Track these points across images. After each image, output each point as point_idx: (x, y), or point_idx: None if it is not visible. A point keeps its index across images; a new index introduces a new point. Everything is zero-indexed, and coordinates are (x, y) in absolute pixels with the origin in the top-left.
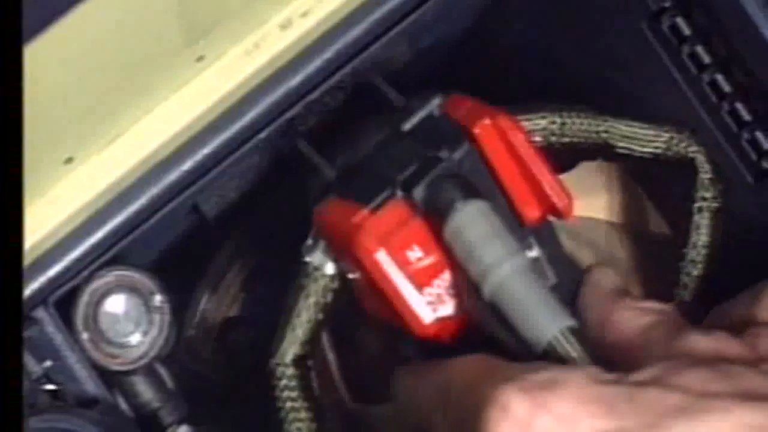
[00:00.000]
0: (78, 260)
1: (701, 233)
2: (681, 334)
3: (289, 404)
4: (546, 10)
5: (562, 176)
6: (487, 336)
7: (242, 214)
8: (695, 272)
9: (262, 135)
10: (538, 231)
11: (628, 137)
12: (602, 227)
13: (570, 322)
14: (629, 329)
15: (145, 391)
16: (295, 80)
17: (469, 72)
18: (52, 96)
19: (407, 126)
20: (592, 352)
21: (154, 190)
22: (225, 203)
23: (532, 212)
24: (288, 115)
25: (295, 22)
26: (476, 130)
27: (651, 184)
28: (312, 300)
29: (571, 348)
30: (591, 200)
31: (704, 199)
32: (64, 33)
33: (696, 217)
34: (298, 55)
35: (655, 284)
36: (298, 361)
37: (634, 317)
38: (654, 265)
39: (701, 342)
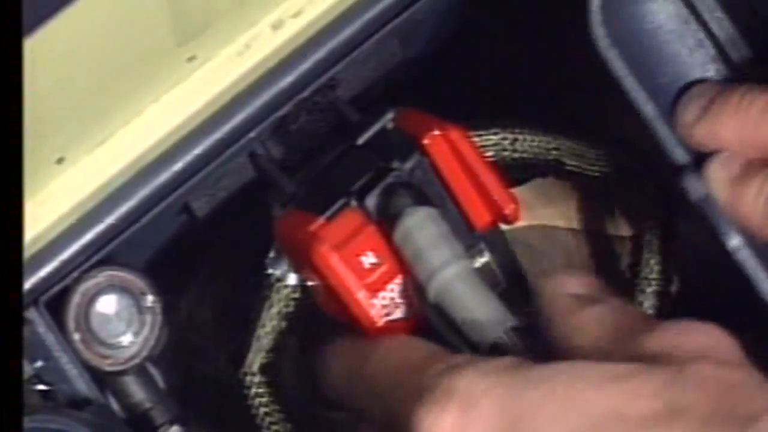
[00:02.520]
0: (69, 261)
1: (653, 251)
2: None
3: (262, 410)
4: (508, 29)
5: (524, 186)
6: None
7: (232, 213)
8: (650, 289)
9: (253, 134)
10: (488, 237)
11: (578, 155)
12: (562, 234)
13: (513, 321)
14: (586, 335)
15: (136, 391)
16: (286, 80)
17: (457, 72)
18: (43, 97)
19: (362, 140)
20: (537, 349)
21: (145, 190)
22: (215, 203)
23: (481, 219)
24: (279, 114)
25: (286, 22)
26: (426, 141)
27: (607, 200)
28: (275, 310)
29: (516, 348)
30: (550, 209)
31: (655, 218)
32: (54, 34)
33: (647, 236)
34: (289, 56)
35: (617, 285)
36: (266, 369)
37: (591, 322)
38: (615, 266)
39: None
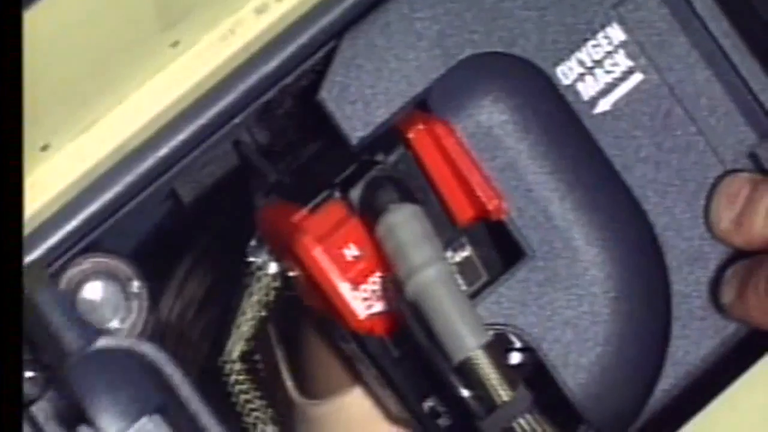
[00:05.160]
0: (54, 247)
1: None
2: None
3: (242, 397)
4: None
5: None
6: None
7: (219, 200)
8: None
9: (238, 120)
10: (471, 231)
11: None
12: None
13: (487, 338)
14: None
15: None
16: (270, 65)
17: None
18: (27, 83)
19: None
20: (502, 370)
21: (130, 176)
22: (202, 189)
23: (464, 213)
24: (263, 99)
25: (270, 6)
26: (410, 135)
27: None
28: (255, 298)
29: (487, 367)
30: None
31: None
32: (36, 18)
33: None
34: (274, 40)
35: None
36: (245, 357)
37: None
38: None
39: None
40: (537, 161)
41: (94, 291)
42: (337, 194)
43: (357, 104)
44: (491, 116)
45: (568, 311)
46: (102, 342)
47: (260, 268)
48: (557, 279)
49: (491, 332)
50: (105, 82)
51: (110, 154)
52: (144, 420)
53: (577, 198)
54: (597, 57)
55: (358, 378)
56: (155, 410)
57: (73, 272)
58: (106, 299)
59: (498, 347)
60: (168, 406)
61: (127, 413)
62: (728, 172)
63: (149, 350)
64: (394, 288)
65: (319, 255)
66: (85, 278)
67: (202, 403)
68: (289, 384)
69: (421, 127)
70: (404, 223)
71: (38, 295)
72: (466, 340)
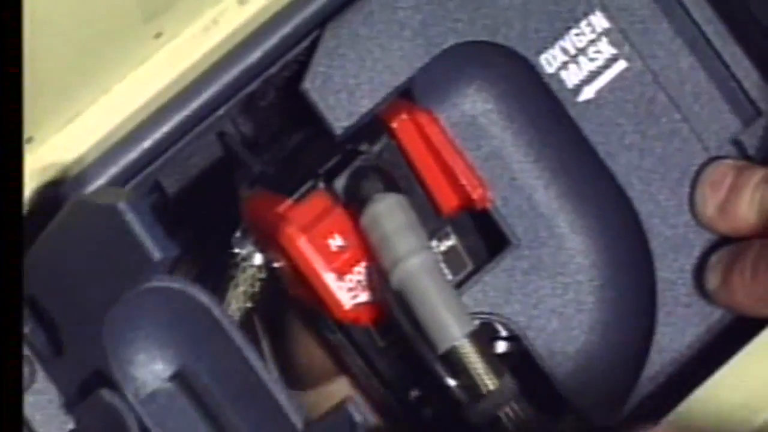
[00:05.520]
0: None
1: None
2: None
3: None
4: None
5: None
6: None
7: (204, 191)
8: None
9: (221, 111)
10: (455, 221)
11: None
12: None
13: (472, 327)
14: None
15: None
16: (254, 56)
17: None
18: None
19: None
20: (488, 359)
21: (114, 168)
22: (186, 180)
23: (449, 203)
24: (247, 90)
25: None
26: (394, 125)
27: None
28: (241, 289)
29: (472, 356)
30: None
31: None
32: None
33: None
34: (256, 31)
35: None
36: None
37: None
38: None
39: None
40: (521, 150)
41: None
42: (321, 184)
43: (341, 94)
44: (475, 105)
45: (554, 299)
46: (156, 281)
47: (245, 259)
48: (542, 267)
49: (477, 321)
50: (88, 74)
51: (94, 146)
52: (162, 384)
53: (562, 186)
54: (580, 45)
55: (343, 368)
56: (174, 375)
57: None
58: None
59: (483, 336)
60: (188, 368)
61: (154, 369)
62: (712, 159)
63: (197, 293)
64: (379, 278)
65: (303, 245)
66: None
67: (248, 341)
68: (275, 374)
69: (404, 116)
70: (389, 212)
71: (123, 206)
72: (451, 329)
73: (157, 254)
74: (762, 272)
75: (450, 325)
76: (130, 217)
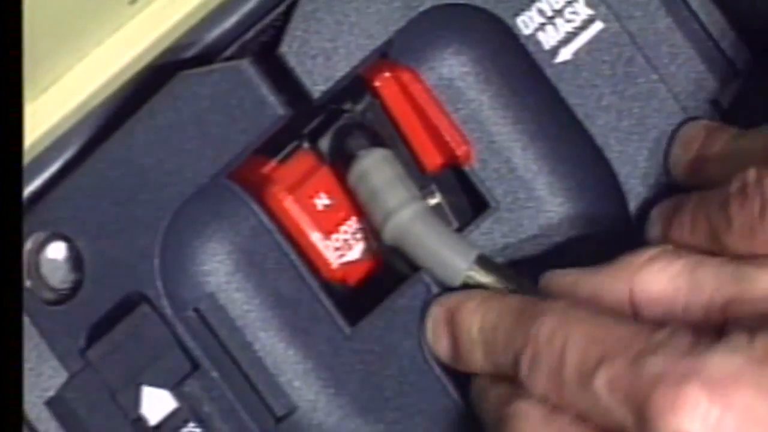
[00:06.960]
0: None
1: None
2: None
3: None
4: None
5: None
6: (393, 279)
7: None
8: None
9: None
10: (440, 179)
11: None
12: None
13: (477, 251)
14: None
15: None
16: (230, 21)
17: None
18: None
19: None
20: (506, 274)
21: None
22: None
23: (433, 160)
24: (224, 55)
25: None
26: (377, 83)
27: None
28: None
29: (487, 276)
30: None
31: None
32: None
33: None
34: None
35: None
36: None
37: None
38: None
39: None
40: (499, 112)
41: (57, 251)
42: (306, 144)
43: (318, 58)
44: (452, 68)
45: (533, 262)
46: None
47: None
48: (522, 230)
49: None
50: (63, 41)
51: (70, 113)
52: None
53: (540, 148)
54: (557, 6)
55: None
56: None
57: (38, 234)
58: (68, 258)
59: (489, 257)
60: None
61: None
62: (690, 120)
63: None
64: (370, 234)
65: (289, 205)
66: (49, 238)
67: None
68: None
69: (387, 74)
70: (375, 167)
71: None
72: (457, 263)
73: (280, 110)
74: (700, 224)
75: (455, 260)
76: (253, 74)
